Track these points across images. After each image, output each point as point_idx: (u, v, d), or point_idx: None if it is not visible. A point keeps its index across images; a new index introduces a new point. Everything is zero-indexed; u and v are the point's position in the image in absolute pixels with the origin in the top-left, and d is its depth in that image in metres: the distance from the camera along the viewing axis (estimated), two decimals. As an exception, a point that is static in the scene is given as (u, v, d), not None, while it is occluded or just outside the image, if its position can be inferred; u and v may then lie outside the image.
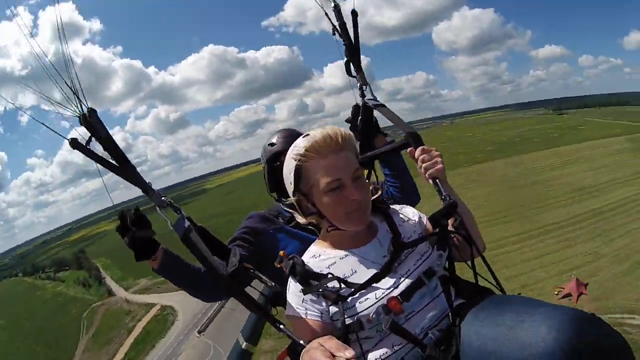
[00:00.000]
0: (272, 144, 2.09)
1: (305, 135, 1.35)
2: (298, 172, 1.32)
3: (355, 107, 1.88)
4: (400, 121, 1.64)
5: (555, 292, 24.75)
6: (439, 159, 1.45)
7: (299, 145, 1.33)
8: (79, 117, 1.36)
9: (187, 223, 1.43)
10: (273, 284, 1.43)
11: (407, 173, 2.07)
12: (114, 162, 1.39)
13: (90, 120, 1.36)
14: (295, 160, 1.32)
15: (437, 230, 1.34)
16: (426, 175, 1.44)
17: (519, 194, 47.70)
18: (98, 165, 1.37)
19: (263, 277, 1.46)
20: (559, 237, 33.24)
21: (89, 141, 1.37)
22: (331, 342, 1.02)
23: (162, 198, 1.45)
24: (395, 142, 1.74)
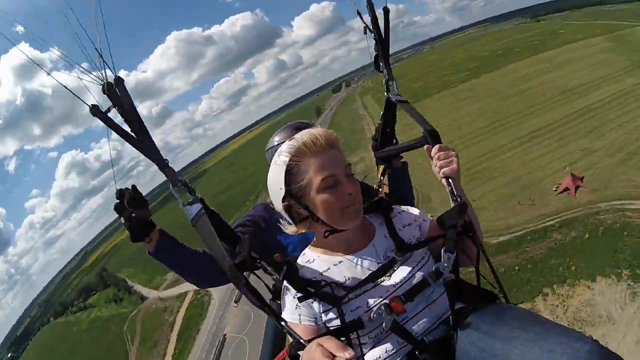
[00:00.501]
0: (273, 145, 2.08)
1: (291, 139, 1.33)
2: (289, 174, 1.28)
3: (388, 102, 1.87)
4: (421, 118, 1.61)
5: (554, 188, 26.02)
6: (454, 159, 1.43)
7: (287, 149, 1.30)
8: (103, 85, 1.32)
9: (199, 206, 1.40)
10: (277, 276, 1.35)
11: (408, 185, 2.06)
12: (133, 135, 1.36)
13: (117, 88, 1.33)
14: (284, 163, 1.28)
15: (446, 231, 1.34)
16: (440, 173, 1.43)
17: (509, 103, 48.09)
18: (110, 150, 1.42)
19: (269, 268, 1.39)
20: (552, 138, 34.22)
21: (109, 109, 1.33)
22: (331, 342, 1.00)
23: (178, 177, 1.42)
24: (411, 141, 1.69)
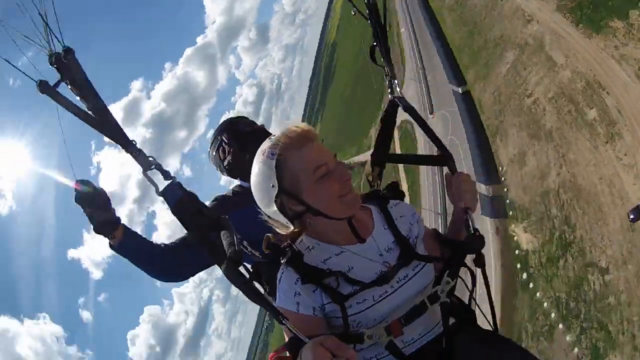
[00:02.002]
0: (232, 123, 2.19)
1: (272, 136, 1.29)
2: (278, 170, 1.22)
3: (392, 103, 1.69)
4: (436, 137, 1.57)
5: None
6: (475, 189, 1.44)
7: (271, 145, 1.26)
8: (50, 55, 1.18)
9: (178, 192, 1.28)
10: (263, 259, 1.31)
11: None
12: (89, 112, 1.22)
13: (66, 61, 1.18)
14: (271, 159, 1.23)
15: (454, 257, 1.33)
16: (461, 202, 1.42)
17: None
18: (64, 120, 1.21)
19: (258, 256, 1.36)
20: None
21: (57, 83, 1.19)
22: (332, 342, 0.99)
23: (149, 158, 1.28)
24: (423, 155, 1.88)
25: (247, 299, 1.21)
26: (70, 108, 1.20)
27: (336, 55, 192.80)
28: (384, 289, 1.25)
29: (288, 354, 1.18)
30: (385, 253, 1.31)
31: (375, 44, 1.71)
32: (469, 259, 1.37)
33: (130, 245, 1.68)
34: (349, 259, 1.29)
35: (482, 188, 30.45)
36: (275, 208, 1.27)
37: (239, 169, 2.10)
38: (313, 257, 1.28)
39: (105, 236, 1.58)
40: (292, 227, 1.31)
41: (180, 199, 1.28)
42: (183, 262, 1.82)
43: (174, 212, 1.27)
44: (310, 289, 1.23)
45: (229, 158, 2.11)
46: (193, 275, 1.93)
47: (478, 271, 1.39)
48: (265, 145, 1.28)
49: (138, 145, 1.29)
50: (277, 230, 1.33)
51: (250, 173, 1.31)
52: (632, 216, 16.44)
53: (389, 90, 1.73)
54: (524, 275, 24.99)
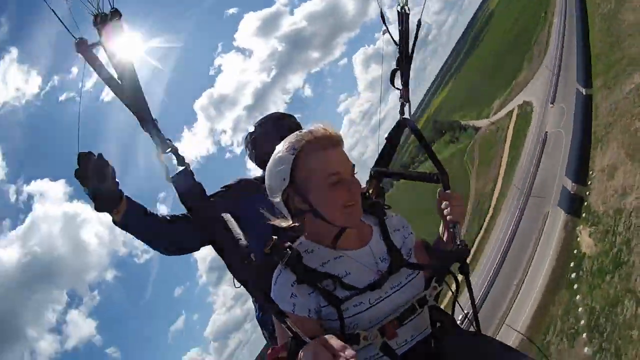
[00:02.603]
0: (249, 133, 2.21)
1: (300, 130, 1.33)
2: (295, 165, 1.26)
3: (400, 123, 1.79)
4: (436, 158, 1.62)
5: None
6: (463, 207, 1.51)
7: (295, 138, 1.29)
8: (96, 15, 1.15)
9: (191, 179, 1.28)
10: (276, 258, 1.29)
11: None
12: (118, 81, 1.21)
13: (111, 22, 1.16)
14: (292, 153, 1.26)
15: (441, 266, 1.40)
16: (448, 217, 1.48)
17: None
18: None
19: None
20: None
21: (95, 45, 1.17)
22: (332, 342, 0.98)
23: (167, 141, 1.27)
24: (421, 172, 1.72)
25: (250, 294, 1.23)
26: (101, 73, 1.18)
27: (490, 24, 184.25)
28: (378, 294, 1.28)
29: (285, 354, 1.14)
30: (380, 262, 1.34)
31: (397, 68, 1.79)
32: (455, 267, 1.44)
33: (135, 220, 1.60)
34: (346, 264, 1.30)
35: (568, 183, 33.99)
36: (280, 199, 1.30)
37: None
38: (311, 259, 1.29)
39: (109, 212, 1.48)
40: (290, 222, 1.34)
41: (189, 189, 1.27)
42: (185, 237, 1.78)
43: (181, 200, 1.26)
44: (306, 291, 1.24)
45: (261, 151, 2.13)
46: (197, 249, 1.87)
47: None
48: (290, 138, 1.31)
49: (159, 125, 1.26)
50: (275, 220, 1.36)
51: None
52: None
53: (400, 112, 1.79)
54: (573, 275, 27.50)
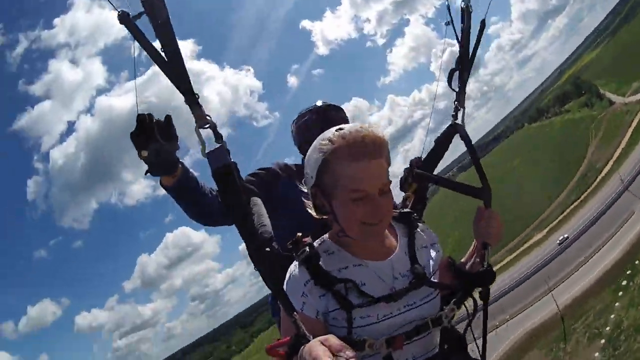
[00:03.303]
0: (295, 119, 2.18)
1: (338, 129, 1.22)
2: (323, 166, 1.20)
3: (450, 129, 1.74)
4: (482, 171, 1.56)
5: None
6: (502, 229, 1.45)
7: (330, 137, 1.20)
8: None
9: (226, 157, 1.25)
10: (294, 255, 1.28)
11: None
12: (161, 52, 1.18)
13: None
14: (322, 152, 1.20)
15: (463, 289, 1.35)
16: (484, 237, 1.43)
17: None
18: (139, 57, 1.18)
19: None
20: None
21: (138, 16, 1.17)
22: (333, 341, 0.94)
23: (207, 117, 1.24)
24: (465, 184, 1.60)
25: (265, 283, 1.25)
26: (143, 44, 1.18)
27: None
28: (390, 309, 1.22)
29: (283, 350, 1.12)
30: (401, 277, 1.29)
31: (455, 68, 1.70)
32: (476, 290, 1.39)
33: (186, 189, 1.55)
34: (364, 274, 1.26)
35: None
36: (309, 192, 1.30)
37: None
38: (330, 261, 1.26)
39: (169, 173, 1.44)
40: (314, 213, 1.31)
41: (224, 165, 1.24)
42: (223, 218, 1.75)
43: (214, 176, 1.24)
44: (318, 293, 1.21)
45: (301, 138, 2.13)
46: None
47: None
48: (326, 135, 1.23)
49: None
50: (308, 205, 1.34)
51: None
52: None
53: (453, 115, 1.73)
54: (624, 282, 28.26)
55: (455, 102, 1.72)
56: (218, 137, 1.26)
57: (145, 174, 1.39)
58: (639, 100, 78.07)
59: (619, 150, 68.42)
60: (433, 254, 1.41)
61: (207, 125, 1.24)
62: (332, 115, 2.11)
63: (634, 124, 71.12)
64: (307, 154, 1.29)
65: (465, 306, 1.37)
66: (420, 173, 1.73)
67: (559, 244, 51.54)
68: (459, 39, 1.69)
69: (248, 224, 1.28)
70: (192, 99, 1.22)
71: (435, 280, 1.34)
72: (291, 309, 1.18)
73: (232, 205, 1.27)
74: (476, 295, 1.39)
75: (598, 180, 65.77)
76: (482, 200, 1.51)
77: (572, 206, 65.18)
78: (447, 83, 1.73)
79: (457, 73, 1.70)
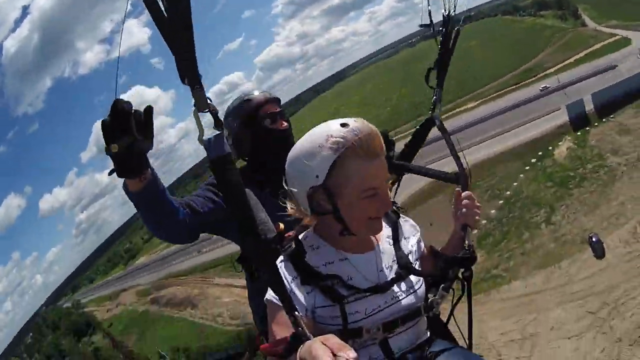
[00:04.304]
0: (248, 99, 1.88)
1: (344, 125, 1.16)
2: (333, 167, 1.13)
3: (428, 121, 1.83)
4: (458, 157, 1.64)
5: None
6: (478, 210, 1.48)
7: (341, 135, 1.14)
8: None
9: (225, 144, 1.07)
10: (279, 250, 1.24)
11: None
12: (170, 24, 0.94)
13: None
14: (333, 153, 1.13)
15: (447, 272, 1.38)
16: (462, 219, 1.46)
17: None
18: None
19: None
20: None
21: None
22: (333, 341, 0.91)
23: (208, 101, 1.04)
24: (441, 171, 1.70)
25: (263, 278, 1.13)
26: (153, 11, 0.94)
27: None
28: (378, 301, 1.22)
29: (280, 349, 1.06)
30: (385, 269, 1.29)
31: (433, 68, 1.77)
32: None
33: (152, 196, 1.37)
34: (350, 268, 1.25)
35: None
36: (304, 192, 1.18)
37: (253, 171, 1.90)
38: (315, 257, 1.24)
39: (136, 175, 1.25)
40: (308, 216, 1.23)
41: (224, 155, 1.07)
42: (200, 227, 1.65)
43: (212, 165, 1.08)
44: (306, 289, 1.19)
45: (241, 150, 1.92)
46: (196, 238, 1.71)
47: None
48: (336, 132, 1.15)
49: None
50: (290, 208, 1.24)
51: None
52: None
53: (431, 108, 1.82)
54: (533, 160, 32.87)
55: (434, 97, 1.81)
56: (218, 123, 1.08)
57: (110, 173, 1.16)
58: (609, 33, 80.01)
59: (568, 61, 72.36)
60: (416, 243, 1.42)
61: (207, 110, 1.04)
62: (261, 117, 1.90)
63: (594, 48, 74.23)
64: (300, 149, 1.19)
65: (452, 289, 1.38)
66: (399, 164, 1.77)
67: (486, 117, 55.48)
68: (439, 42, 1.78)
69: (249, 219, 1.11)
70: (194, 79, 0.99)
71: (420, 269, 1.36)
72: (292, 307, 1.09)
73: (232, 199, 1.10)
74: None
75: (540, 75, 70.61)
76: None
77: (509, 88, 69.39)
78: (425, 82, 1.81)
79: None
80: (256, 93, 1.93)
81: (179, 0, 0.91)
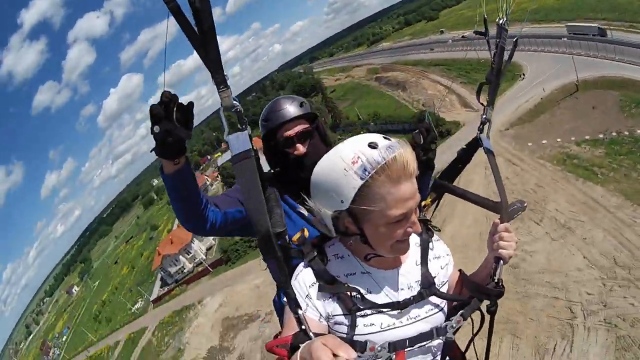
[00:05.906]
0: (274, 111, 1.83)
1: (373, 145, 1.09)
2: (360, 191, 1.08)
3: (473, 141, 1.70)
4: (502, 185, 1.55)
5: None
6: (515, 245, 1.40)
7: (369, 159, 1.07)
8: None
9: (248, 143, 1.12)
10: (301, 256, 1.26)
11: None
12: (195, 28, 1.01)
13: None
14: (361, 178, 1.07)
15: (472, 301, 1.33)
16: (497, 251, 1.38)
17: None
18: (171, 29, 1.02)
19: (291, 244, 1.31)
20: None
21: None
22: (334, 341, 0.91)
23: (234, 101, 1.11)
24: (483, 198, 1.60)
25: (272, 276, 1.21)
26: (186, 30, 1.00)
27: None
28: (394, 320, 1.22)
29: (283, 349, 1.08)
30: (407, 289, 1.27)
31: (485, 82, 1.64)
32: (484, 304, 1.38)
33: (186, 179, 1.43)
34: (370, 283, 1.24)
35: None
36: (329, 214, 1.15)
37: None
38: (338, 266, 1.24)
39: (173, 158, 1.31)
40: (332, 234, 1.22)
41: (246, 151, 1.11)
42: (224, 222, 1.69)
43: (234, 161, 1.12)
44: (322, 296, 1.19)
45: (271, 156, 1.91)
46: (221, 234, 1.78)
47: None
48: (363, 154, 1.08)
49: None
50: (317, 223, 1.24)
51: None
52: None
53: (479, 128, 1.67)
54: None
55: (483, 116, 1.66)
56: (242, 122, 1.16)
57: (151, 151, 1.28)
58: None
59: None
60: (444, 265, 1.40)
61: (233, 109, 1.13)
62: (281, 132, 1.84)
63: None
64: (325, 167, 1.16)
65: (471, 319, 1.36)
66: (440, 184, 1.74)
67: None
68: (493, 55, 1.61)
69: (262, 213, 1.11)
70: (220, 77, 1.08)
71: (444, 292, 1.34)
72: (297, 305, 1.13)
73: (245, 188, 1.14)
74: (484, 309, 1.39)
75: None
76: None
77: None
78: (476, 98, 1.69)
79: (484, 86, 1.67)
80: (286, 105, 1.83)
81: (205, 20, 1.02)
